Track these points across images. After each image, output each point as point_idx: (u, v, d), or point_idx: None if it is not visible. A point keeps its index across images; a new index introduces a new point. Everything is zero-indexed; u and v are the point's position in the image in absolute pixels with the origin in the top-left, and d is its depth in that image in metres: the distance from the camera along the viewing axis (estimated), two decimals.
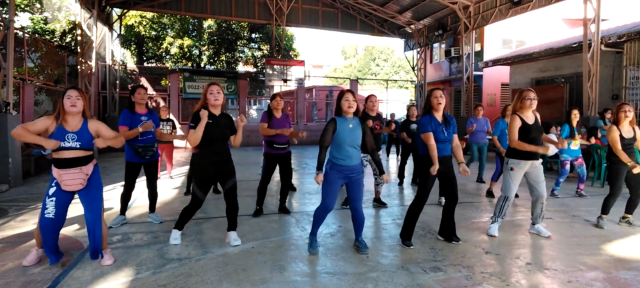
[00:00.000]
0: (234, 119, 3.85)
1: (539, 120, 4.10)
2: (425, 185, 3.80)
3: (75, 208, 5.26)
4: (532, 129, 3.98)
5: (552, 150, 7.25)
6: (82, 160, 3.16)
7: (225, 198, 3.80)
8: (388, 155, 12.30)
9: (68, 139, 3.10)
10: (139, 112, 4.28)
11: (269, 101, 5.18)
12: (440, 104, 3.76)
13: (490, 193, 6.31)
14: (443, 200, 5.56)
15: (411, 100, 27.03)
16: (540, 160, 4.11)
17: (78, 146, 3.12)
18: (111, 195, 6.19)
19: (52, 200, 3.13)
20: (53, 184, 3.16)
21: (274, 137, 4.88)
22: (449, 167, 3.84)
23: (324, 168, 3.52)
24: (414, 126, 6.96)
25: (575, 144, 6.23)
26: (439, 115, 3.81)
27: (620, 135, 4.42)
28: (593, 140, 6.69)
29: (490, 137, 7.05)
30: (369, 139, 3.63)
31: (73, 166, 3.12)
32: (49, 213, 3.11)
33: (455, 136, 3.88)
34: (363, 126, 3.56)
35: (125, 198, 4.45)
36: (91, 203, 3.24)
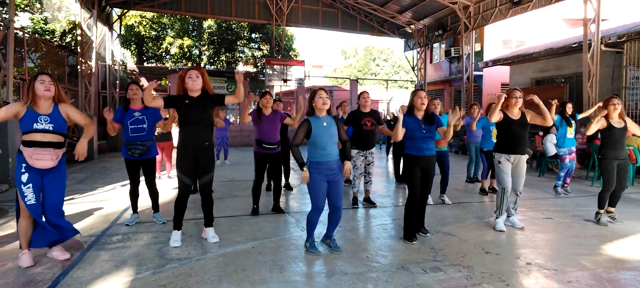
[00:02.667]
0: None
1: (527, 118, 4.33)
2: (411, 183, 3.95)
3: (74, 208, 5.26)
4: (514, 124, 4.27)
5: (549, 149, 7.31)
6: (54, 144, 3.17)
7: (200, 193, 3.79)
8: (387, 155, 12.30)
9: (40, 120, 3.10)
10: (133, 108, 4.27)
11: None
12: (423, 104, 3.98)
13: (483, 191, 6.40)
14: (446, 198, 5.71)
15: None
16: (526, 156, 4.37)
17: (51, 128, 3.13)
18: (110, 195, 6.19)
19: (29, 187, 3.12)
20: (23, 169, 3.12)
21: (262, 137, 4.90)
22: (431, 166, 4.01)
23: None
24: None
25: (571, 133, 6.43)
26: (420, 115, 4.01)
27: (611, 126, 4.67)
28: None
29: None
30: (342, 133, 3.62)
31: (40, 147, 3.12)
32: (29, 200, 3.12)
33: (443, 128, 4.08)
34: (338, 123, 3.56)
35: (132, 195, 4.45)
36: (55, 190, 3.24)
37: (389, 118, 7.68)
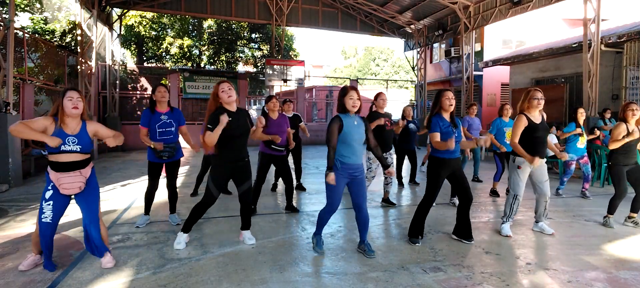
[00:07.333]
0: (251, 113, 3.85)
1: (545, 120, 4.18)
2: (435, 185, 3.86)
3: (74, 208, 5.26)
4: (539, 128, 4.05)
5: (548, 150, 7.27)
6: (81, 163, 3.11)
7: (240, 200, 3.81)
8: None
9: (68, 142, 3.02)
10: (160, 111, 4.24)
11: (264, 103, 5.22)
12: (451, 105, 3.84)
13: (494, 193, 6.33)
14: (456, 200, 5.61)
15: (411, 100, 27.01)
16: (545, 159, 4.19)
17: (79, 149, 3.06)
18: (110, 195, 6.19)
19: (49, 204, 3.06)
20: (49, 187, 3.07)
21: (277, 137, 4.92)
22: (458, 167, 3.90)
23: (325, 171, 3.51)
24: (412, 126, 6.96)
25: (582, 143, 6.23)
26: (447, 116, 3.89)
27: (628, 132, 4.53)
28: (597, 133, 6.64)
29: (484, 137, 7.06)
30: (371, 136, 3.61)
31: (72, 169, 3.06)
32: (46, 217, 3.05)
33: (464, 130, 3.97)
34: (366, 124, 3.54)
35: (148, 197, 4.41)
36: (89, 205, 3.19)
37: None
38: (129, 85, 15.81)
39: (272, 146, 4.94)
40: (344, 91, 3.45)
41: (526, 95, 4.10)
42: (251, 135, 3.86)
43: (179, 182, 7.47)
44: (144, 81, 15.99)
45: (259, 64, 21.65)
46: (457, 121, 3.93)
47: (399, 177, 7.24)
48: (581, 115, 6.16)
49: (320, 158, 11.38)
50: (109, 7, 14.09)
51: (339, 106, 3.49)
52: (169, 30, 21.08)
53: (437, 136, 3.79)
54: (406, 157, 7.13)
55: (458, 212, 4.01)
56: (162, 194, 4.61)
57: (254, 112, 31.14)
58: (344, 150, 3.41)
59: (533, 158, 3.91)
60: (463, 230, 3.99)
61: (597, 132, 6.86)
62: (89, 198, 3.20)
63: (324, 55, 74.72)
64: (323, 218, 3.60)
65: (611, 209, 4.62)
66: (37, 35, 13.47)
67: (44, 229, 3.06)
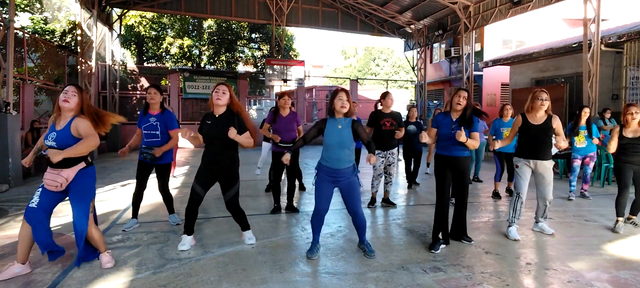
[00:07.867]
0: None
1: (553, 121, 4.03)
2: (438, 183, 3.86)
3: None
4: (532, 128, 4.04)
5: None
6: (62, 162, 2.97)
7: (227, 208, 3.74)
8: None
9: (49, 138, 2.99)
10: (151, 113, 4.22)
11: (273, 100, 5.26)
12: (458, 103, 3.80)
13: (496, 195, 6.30)
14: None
15: (411, 100, 26.99)
16: (552, 162, 4.13)
17: (55, 145, 2.97)
18: (110, 195, 6.18)
19: (38, 191, 3.06)
20: None
21: (280, 136, 4.97)
22: (463, 168, 3.82)
23: (315, 171, 3.55)
24: (411, 127, 6.96)
25: (580, 142, 6.24)
26: (455, 115, 3.84)
27: (622, 136, 4.54)
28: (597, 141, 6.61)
29: (487, 136, 7.06)
30: (363, 135, 3.45)
31: (53, 167, 3.00)
32: (33, 202, 3.03)
33: (476, 134, 3.76)
34: (355, 126, 3.41)
35: (135, 198, 4.31)
36: (76, 208, 3.09)
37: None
38: (129, 85, 15.82)
39: (279, 144, 4.96)
40: (334, 93, 3.45)
41: (532, 96, 4.09)
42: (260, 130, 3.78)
43: (180, 182, 7.47)
44: (144, 81, 15.99)
45: (259, 64, 21.66)
46: (475, 121, 3.78)
47: (407, 178, 7.26)
48: (585, 114, 6.15)
49: None
50: (109, 7, 14.10)
51: (328, 109, 3.49)
52: (169, 30, 21.09)
53: (429, 130, 3.95)
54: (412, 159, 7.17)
55: (454, 213, 4.01)
56: (156, 195, 4.60)
57: (254, 113, 31.17)
58: (324, 153, 3.45)
59: None
60: (456, 232, 4.00)
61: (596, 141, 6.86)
62: (76, 201, 3.09)
63: (324, 55, 74.79)
64: (313, 224, 3.56)
65: (619, 210, 4.53)
66: (37, 35, 13.47)
67: (28, 212, 3.01)
